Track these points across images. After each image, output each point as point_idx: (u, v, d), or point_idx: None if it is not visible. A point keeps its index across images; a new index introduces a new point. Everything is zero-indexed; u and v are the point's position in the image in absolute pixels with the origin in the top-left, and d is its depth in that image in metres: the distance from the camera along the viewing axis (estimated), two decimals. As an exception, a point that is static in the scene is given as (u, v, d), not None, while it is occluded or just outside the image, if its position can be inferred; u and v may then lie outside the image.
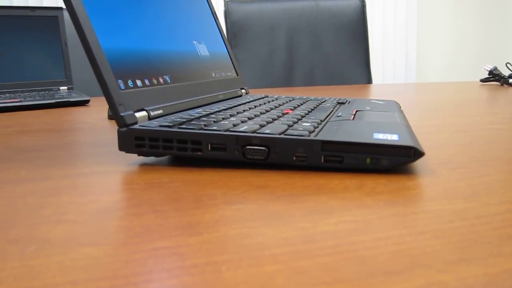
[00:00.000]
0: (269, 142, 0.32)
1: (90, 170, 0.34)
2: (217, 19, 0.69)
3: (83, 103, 0.86)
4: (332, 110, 0.49)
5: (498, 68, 1.18)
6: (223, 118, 0.39)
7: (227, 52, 0.68)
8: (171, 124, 0.34)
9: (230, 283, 0.17)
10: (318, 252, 0.19)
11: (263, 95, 0.66)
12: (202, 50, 0.58)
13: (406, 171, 0.32)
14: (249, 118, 0.40)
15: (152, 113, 0.37)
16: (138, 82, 0.39)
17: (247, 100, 0.57)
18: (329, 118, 0.42)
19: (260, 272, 0.17)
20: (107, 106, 0.80)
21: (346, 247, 0.20)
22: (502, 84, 1.16)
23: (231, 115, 0.41)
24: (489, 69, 1.18)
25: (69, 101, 0.83)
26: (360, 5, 1.49)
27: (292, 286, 0.16)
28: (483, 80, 1.22)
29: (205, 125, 0.35)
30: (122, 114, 0.34)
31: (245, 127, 0.34)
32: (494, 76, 1.18)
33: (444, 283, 0.16)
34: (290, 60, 1.46)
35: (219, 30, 0.68)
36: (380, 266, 0.18)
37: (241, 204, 0.25)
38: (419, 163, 0.34)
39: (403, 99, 0.85)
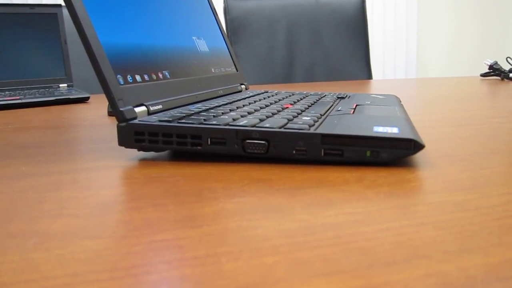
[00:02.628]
0: (269, 136, 0.32)
1: (90, 165, 0.34)
2: (217, 15, 0.68)
3: (83, 100, 0.86)
4: (332, 105, 0.48)
5: (498, 63, 1.18)
6: (222, 113, 0.39)
7: (226, 48, 0.68)
8: (171, 119, 0.34)
9: (230, 275, 0.17)
10: (318, 244, 0.19)
11: (262, 91, 0.66)
12: (202, 45, 0.57)
13: (407, 164, 0.32)
14: (249, 113, 0.39)
15: (151, 108, 0.37)
16: (138, 77, 0.39)
17: (247, 95, 0.57)
18: (329, 112, 0.42)
19: (260, 263, 0.17)
20: (107, 103, 0.80)
21: (346, 239, 0.20)
22: (502, 79, 1.16)
23: (230, 110, 0.41)
24: (489, 64, 1.18)
25: (69, 98, 0.83)
26: (360, 0, 1.48)
27: (292, 277, 0.16)
28: (483, 75, 1.22)
29: (204, 120, 0.35)
30: (121, 109, 0.34)
31: (244, 121, 0.34)
32: (494, 70, 1.18)
33: (444, 273, 0.16)
34: (290, 56, 1.46)
35: (219, 26, 0.68)
36: (380, 257, 0.18)
37: (241, 197, 0.25)
38: (419, 156, 0.34)
39: (404, 94, 0.85)
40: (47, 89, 0.92)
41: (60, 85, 0.96)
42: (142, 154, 0.37)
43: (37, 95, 0.82)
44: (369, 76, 1.49)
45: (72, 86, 0.97)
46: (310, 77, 1.47)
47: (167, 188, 0.28)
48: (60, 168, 0.33)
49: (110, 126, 0.54)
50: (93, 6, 0.36)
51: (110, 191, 0.27)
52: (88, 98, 0.86)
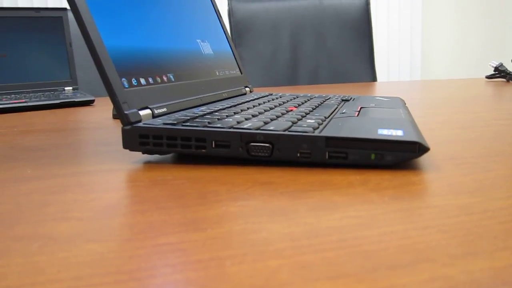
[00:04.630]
0: (273, 139, 0.32)
1: (95, 168, 0.34)
2: (221, 17, 0.69)
3: (88, 103, 0.86)
4: (337, 107, 0.48)
5: (504, 64, 1.17)
6: (227, 116, 0.39)
7: (231, 51, 0.68)
8: (175, 122, 0.34)
9: (234, 278, 0.17)
10: (322, 247, 0.19)
11: (267, 93, 0.66)
12: (206, 48, 0.58)
13: (411, 166, 0.32)
14: (253, 116, 0.39)
15: (156, 111, 0.37)
16: (142, 81, 0.39)
17: (251, 98, 0.57)
18: (334, 115, 0.42)
19: (264, 267, 0.17)
20: (111, 106, 0.80)
21: (350, 242, 0.19)
22: (508, 81, 1.15)
23: (235, 113, 0.41)
24: (494, 66, 1.18)
25: (74, 101, 0.83)
26: (364, 2, 1.48)
27: (296, 281, 0.16)
28: (488, 77, 1.21)
29: (209, 123, 0.35)
30: (126, 112, 0.34)
31: (249, 124, 0.34)
32: (499, 72, 1.17)
33: (449, 277, 0.16)
34: (294, 59, 1.46)
35: (223, 29, 0.68)
36: (385, 260, 0.18)
37: (245, 200, 0.25)
38: (424, 159, 0.34)
39: (408, 96, 0.84)
40: (52, 92, 0.93)
41: (65, 88, 0.97)
42: (147, 157, 0.37)
43: (42, 98, 0.83)
44: (373, 78, 1.49)
45: (77, 89, 0.98)
46: (314, 79, 1.47)
47: (171, 191, 0.28)
48: (64, 171, 0.33)
49: (115, 129, 0.54)
50: (98, 9, 0.37)
51: (115, 194, 0.27)
52: (93, 101, 0.86)
